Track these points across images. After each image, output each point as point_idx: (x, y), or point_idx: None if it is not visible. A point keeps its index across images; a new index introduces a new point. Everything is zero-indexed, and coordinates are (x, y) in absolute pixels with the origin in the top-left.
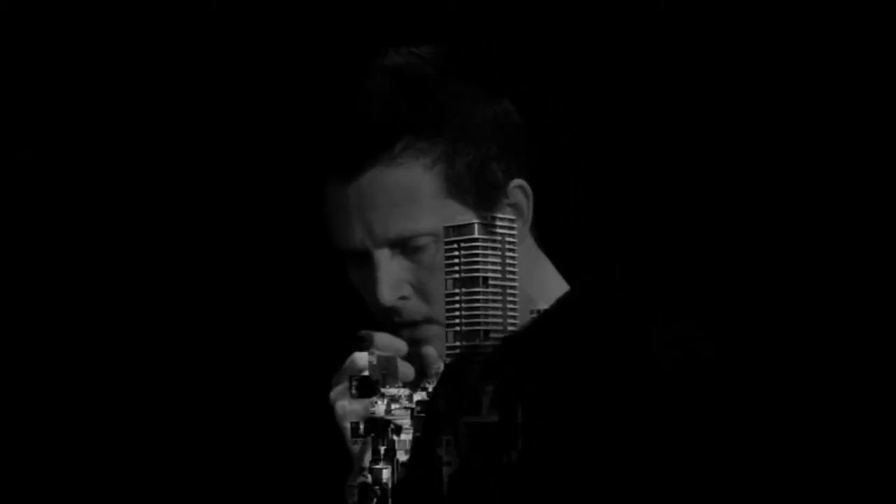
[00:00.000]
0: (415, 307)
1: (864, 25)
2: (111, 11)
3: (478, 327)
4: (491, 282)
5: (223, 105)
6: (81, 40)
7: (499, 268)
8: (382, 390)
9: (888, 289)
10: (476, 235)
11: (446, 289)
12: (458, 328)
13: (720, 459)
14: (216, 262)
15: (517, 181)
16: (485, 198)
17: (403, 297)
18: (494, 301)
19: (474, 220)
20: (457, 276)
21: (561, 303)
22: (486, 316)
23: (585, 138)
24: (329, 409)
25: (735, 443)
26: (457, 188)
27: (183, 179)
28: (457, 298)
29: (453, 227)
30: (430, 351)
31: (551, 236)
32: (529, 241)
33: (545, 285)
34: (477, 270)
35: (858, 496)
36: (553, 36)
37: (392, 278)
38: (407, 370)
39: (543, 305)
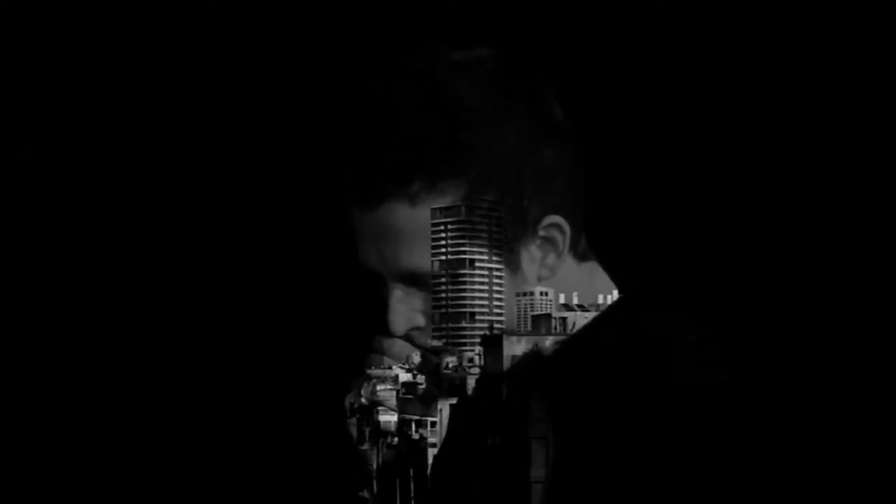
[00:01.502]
0: (428, 336)
1: (864, 25)
2: (116, 12)
3: (464, 309)
4: (477, 264)
5: (230, 109)
6: (82, 40)
7: (485, 250)
8: (368, 372)
9: (888, 290)
10: (463, 217)
11: (433, 270)
12: (444, 310)
13: (730, 462)
14: (227, 264)
15: (551, 219)
16: (509, 234)
17: (416, 328)
18: (481, 283)
19: (461, 203)
20: (443, 257)
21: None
22: (472, 298)
23: (585, 138)
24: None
25: (743, 444)
26: (477, 228)
27: (189, 180)
28: (443, 280)
29: (440, 209)
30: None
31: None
32: (570, 263)
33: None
34: (463, 252)
35: (864, 496)
36: (553, 36)
37: (404, 309)
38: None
39: (528, 288)
